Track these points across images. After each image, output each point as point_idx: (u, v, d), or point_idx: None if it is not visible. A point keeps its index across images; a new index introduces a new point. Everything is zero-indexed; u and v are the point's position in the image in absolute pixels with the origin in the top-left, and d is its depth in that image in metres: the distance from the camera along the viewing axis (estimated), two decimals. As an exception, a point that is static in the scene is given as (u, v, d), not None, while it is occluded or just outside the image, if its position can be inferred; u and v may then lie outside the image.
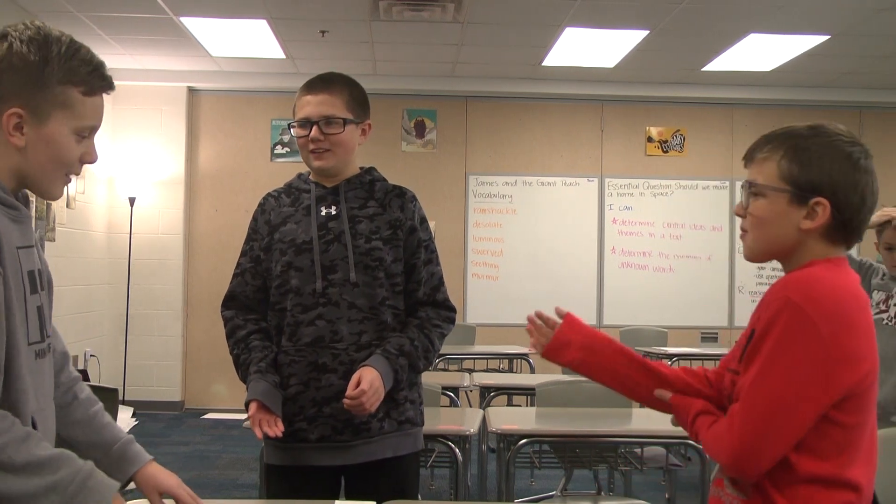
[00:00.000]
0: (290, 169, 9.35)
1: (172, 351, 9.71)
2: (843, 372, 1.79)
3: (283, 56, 8.89)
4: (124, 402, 8.82)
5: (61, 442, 1.98)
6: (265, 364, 2.71)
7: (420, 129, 10.04)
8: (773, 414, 1.79)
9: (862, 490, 1.86)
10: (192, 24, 7.85)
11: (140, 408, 9.23)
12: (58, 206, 8.15)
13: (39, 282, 1.84)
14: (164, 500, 2.06)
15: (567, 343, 2.22)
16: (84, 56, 1.81)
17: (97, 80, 1.84)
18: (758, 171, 1.96)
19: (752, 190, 1.95)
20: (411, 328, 2.77)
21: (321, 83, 2.79)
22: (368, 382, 2.58)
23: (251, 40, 8.40)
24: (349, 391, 2.57)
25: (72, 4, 7.29)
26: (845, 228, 1.91)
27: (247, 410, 2.67)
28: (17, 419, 1.70)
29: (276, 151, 9.92)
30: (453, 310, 2.89)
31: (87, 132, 1.85)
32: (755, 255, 2.01)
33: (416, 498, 2.87)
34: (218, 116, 9.93)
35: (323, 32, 8.06)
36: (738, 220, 2.04)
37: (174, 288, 9.70)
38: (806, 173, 1.88)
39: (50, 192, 1.86)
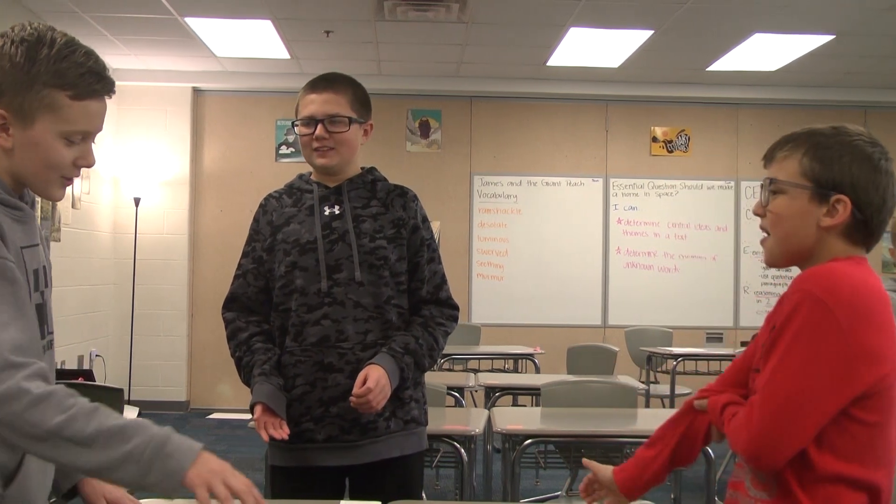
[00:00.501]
0: (295, 169, 9.30)
1: (178, 351, 9.72)
2: (863, 367, 1.78)
3: (288, 56, 8.89)
4: (130, 402, 8.82)
5: None
6: (269, 367, 2.70)
7: (425, 130, 10.04)
8: (791, 403, 1.78)
9: (881, 493, 1.85)
10: (196, 24, 7.86)
11: (145, 408, 9.23)
12: (63, 206, 8.16)
13: (44, 279, 1.84)
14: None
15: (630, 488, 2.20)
16: (77, 59, 1.77)
17: (89, 84, 1.79)
18: (778, 169, 1.96)
19: (773, 187, 1.95)
20: (416, 327, 2.78)
21: (325, 82, 2.80)
22: (375, 380, 2.58)
23: (256, 40, 8.41)
24: (356, 389, 2.57)
25: (76, 5, 7.30)
26: (865, 228, 1.91)
27: (251, 413, 2.67)
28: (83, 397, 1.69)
29: (280, 151, 9.93)
30: (456, 308, 2.89)
31: (77, 137, 1.81)
32: (776, 259, 2.00)
33: (421, 498, 2.87)
34: (223, 117, 9.93)
35: (327, 32, 8.06)
36: (745, 221, 2.04)
37: (179, 288, 9.71)
38: (828, 171, 1.89)
39: (47, 194, 1.85)
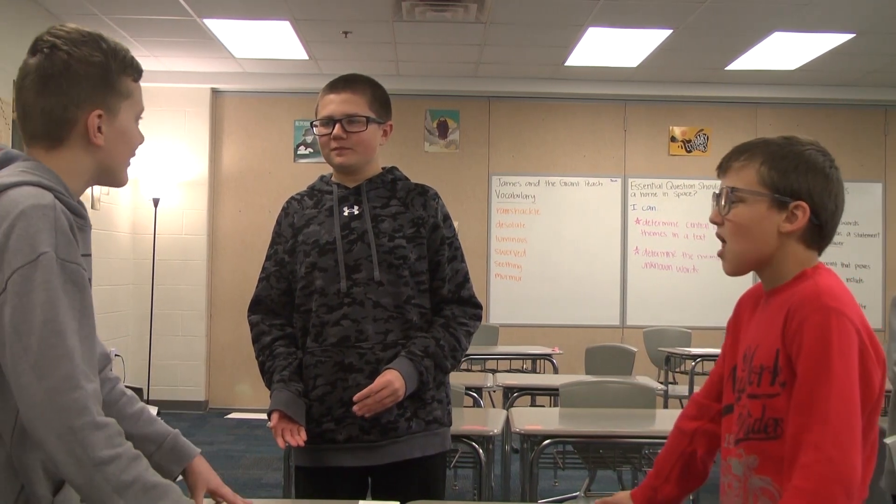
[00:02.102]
0: (313, 169, 9.37)
1: (196, 351, 9.76)
2: (876, 370, 1.85)
3: (307, 57, 8.91)
4: (149, 402, 8.87)
5: None
6: (288, 373, 2.71)
7: (443, 130, 10.04)
8: (849, 418, 1.79)
9: (864, 485, 1.88)
10: (215, 25, 7.88)
11: (164, 407, 9.27)
12: (83, 207, 8.20)
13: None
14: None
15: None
16: (120, 46, 1.86)
17: (137, 65, 1.89)
18: (736, 179, 2.03)
19: (734, 196, 2.02)
20: (437, 328, 2.77)
21: (344, 82, 2.81)
22: (382, 383, 2.59)
23: (274, 41, 8.43)
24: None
25: (96, 7, 7.34)
26: (820, 232, 1.99)
27: (269, 420, 2.69)
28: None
29: (299, 152, 9.95)
30: (479, 307, 2.88)
31: (142, 114, 1.92)
32: (738, 267, 2.07)
33: (442, 498, 2.86)
34: (241, 117, 9.96)
35: (346, 33, 8.07)
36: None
37: (198, 288, 9.74)
38: (785, 179, 1.96)
39: (123, 180, 1.94)
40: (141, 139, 1.93)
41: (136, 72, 1.87)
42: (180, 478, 2.10)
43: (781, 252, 1.98)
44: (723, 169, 2.09)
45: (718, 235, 2.08)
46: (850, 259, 9.90)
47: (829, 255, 8.52)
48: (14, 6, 6.83)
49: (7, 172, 1.75)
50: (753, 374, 1.96)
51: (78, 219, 1.77)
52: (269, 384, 2.75)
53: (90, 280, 1.84)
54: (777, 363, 1.90)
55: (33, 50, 1.80)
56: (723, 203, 2.04)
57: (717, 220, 2.07)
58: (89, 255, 1.85)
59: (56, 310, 1.63)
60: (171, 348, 9.66)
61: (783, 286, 1.98)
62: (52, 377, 1.60)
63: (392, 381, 2.60)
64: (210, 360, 9.88)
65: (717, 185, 7.43)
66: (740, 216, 2.01)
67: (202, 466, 2.10)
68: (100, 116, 1.79)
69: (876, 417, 1.89)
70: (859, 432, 1.79)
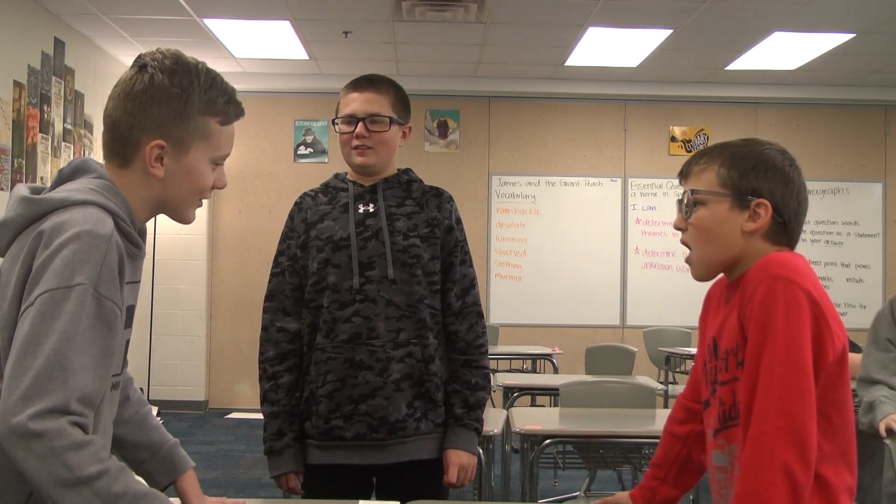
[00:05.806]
0: (313, 170, 9.37)
1: (196, 351, 9.76)
2: (831, 338, 1.83)
3: (307, 57, 8.91)
4: (148, 402, 8.86)
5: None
6: (289, 436, 2.79)
7: (443, 130, 10.04)
8: (798, 384, 1.78)
9: (843, 460, 1.89)
10: (215, 25, 7.88)
11: (164, 407, 9.29)
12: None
13: (132, 316, 1.84)
14: None
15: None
16: (220, 86, 1.84)
17: (233, 110, 1.88)
18: (696, 182, 2.03)
19: (694, 198, 2.01)
20: (463, 371, 2.84)
21: (367, 82, 2.82)
22: (454, 475, 2.75)
23: (274, 41, 8.43)
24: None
25: (95, 6, 7.33)
26: (785, 230, 1.98)
27: (281, 479, 2.83)
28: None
29: (299, 152, 9.93)
30: (481, 315, 2.89)
31: (222, 160, 1.89)
32: (705, 271, 2.06)
33: (444, 499, 2.87)
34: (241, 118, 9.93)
35: (346, 33, 8.07)
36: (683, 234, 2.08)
37: (198, 288, 9.74)
38: (745, 178, 1.97)
39: (186, 217, 1.90)
40: (219, 184, 1.90)
41: (226, 116, 1.85)
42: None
43: (747, 252, 1.97)
44: (684, 175, 2.09)
45: (683, 242, 2.07)
46: (850, 259, 9.88)
47: (830, 255, 8.60)
48: (14, 6, 6.83)
49: (78, 186, 1.73)
50: (721, 360, 1.97)
51: (133, 247, 1.76)
52: (276, 433, 2.80)
53: (134, 307, 1.83)
54: (738, 344, 1.91)
55: (133, 63, 1.81)
56: (684, 207, 2.04)
57: (681, 226, 2.06)
58: (137, 282, 1.83)
59: (71, 343, 1.59)
60: (171, 348, 9.66)
61: (744, 273, 1.97)
62: (38, 405, 1.57)
63: (459, 467, 2.76)
64: (210, 360, 9.88)
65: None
66: (702, 219, 2.01)
67: (187, 481, 2.10)
68: (162, 147, 1.77)
69: (843, 392, 1.88)
70: (810, 397, 1.78)
